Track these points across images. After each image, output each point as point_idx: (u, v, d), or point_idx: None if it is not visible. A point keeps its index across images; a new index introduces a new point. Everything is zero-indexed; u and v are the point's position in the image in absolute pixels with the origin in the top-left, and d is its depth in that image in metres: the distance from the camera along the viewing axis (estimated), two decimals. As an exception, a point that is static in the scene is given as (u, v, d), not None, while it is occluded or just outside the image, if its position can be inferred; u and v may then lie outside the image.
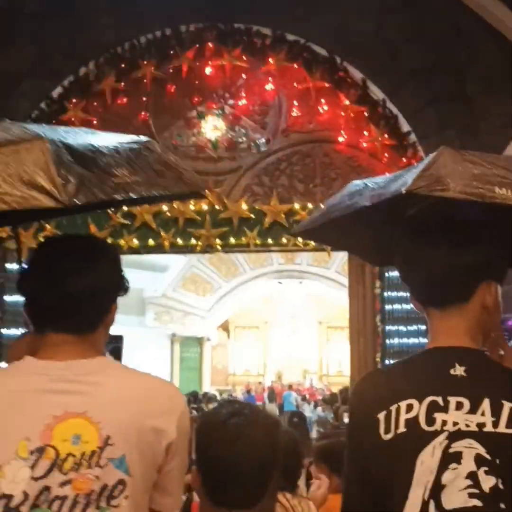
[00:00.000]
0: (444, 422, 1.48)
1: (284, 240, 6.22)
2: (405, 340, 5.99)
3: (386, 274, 6.05)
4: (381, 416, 1.53)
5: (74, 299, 1.61)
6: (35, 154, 1.58)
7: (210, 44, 6.48)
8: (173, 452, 1.60)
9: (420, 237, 1.63)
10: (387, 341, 6.05)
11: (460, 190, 1.50)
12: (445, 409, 1.49)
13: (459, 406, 1.49)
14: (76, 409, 1.54)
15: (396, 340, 6.04)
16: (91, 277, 1.64)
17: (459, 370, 1.53)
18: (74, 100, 6.46)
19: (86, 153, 1.67)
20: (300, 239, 6.06)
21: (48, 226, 6.14)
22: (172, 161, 1.90)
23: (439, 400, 1.50)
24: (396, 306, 6.05)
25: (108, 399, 1.57)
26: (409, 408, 1.51)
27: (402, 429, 1.50)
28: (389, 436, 1.51)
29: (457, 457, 1.46)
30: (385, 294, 6.10)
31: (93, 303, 1.65)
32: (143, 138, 1.88)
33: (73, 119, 6.40)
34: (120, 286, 1.72)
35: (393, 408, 1.52)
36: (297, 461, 2.92)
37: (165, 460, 1.59)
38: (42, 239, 6.12)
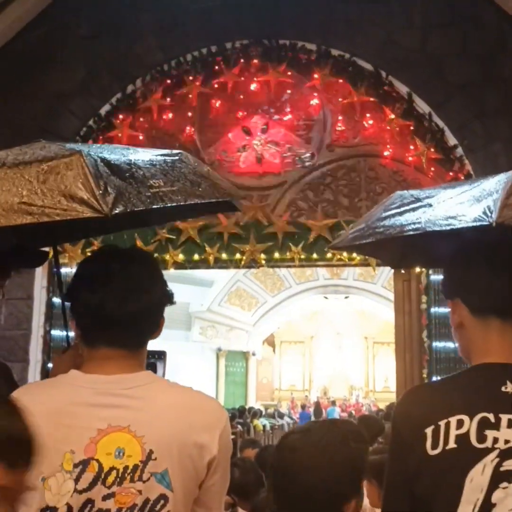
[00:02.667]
0: (495, 440, 1.45)
1: (329, 255, 6.19)
2: (452, 356, 5.89)
3: (433, 290, 5.98)
4: (429, 431, 1.50)
5: (133, 316, 1.62)
6: (74, 168, 1.63)
7: (255, 60, 6.53)
8: (214, 468, 1.58)
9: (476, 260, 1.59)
10: (434, 356, 5.96)
11: None
12: (496, 426, 1.46)
13: (511, 423, 1.46)
14: (120, 423, 1.55)
15: (443, 356, 5.95)
16: (151, 294, 1.65)
17: (510, 388, 1.50)
18: (121, 117, 6.57)
19: (122, 166, 1.71)
20: (345, 254, 6.03)
21: (95, 242, 6.23)
22: (206, 171, 1.92)
23: (491, 417, 1.47)
24: (443, 322, 5.96)
25: (152, 414, 1.57)
26: (460, 423, 1.48)
27: (452, 445, 1.46)
28: (436, 452, 1.48)
29: (508, 476, 1.43)
30: (432, 309, 6.02)
31: (148, 319, 1.67)
32: (175, 151, 1.91)
33: (120, 135, 6.51)
34: (169, 300, 1.74)
35: (442, 423, 1.49)
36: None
37: (207, 475, 1.58)
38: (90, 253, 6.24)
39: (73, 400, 1.59)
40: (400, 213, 1.64)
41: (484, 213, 1.44)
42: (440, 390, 1.63)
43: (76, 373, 1.64)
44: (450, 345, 5.94)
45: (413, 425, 1.53)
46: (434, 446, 1.48)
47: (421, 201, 1.64)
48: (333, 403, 19.51)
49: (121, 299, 1.62)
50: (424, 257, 1.98)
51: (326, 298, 19.21)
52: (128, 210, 1.59)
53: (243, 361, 19.90)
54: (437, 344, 5.98)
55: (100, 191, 1.57)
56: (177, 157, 1.89)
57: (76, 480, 1.51)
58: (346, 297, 18.78)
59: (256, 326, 18.83)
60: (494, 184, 1.53)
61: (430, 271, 5.95)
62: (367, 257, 5.85)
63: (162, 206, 1.70)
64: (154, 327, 1.70)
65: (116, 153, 1.78)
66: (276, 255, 6.26)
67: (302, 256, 6.18)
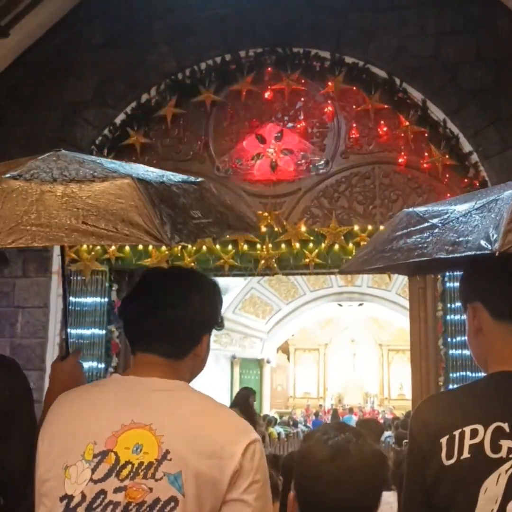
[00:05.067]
0: (510, 450, 1.44)
1: (343, 262, 6.18)
2: (469, 363, 5.86)
3: (449, 297, 5.95)
4: (444, 440, 1.49)
5: (165, 326, 1.71)
6: (128, 193, 1.68)
7: (269, 69, 6.55)
8: (237, 483, 1.54)
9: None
10: (450, 364, 5.92)
11: None
12: (511, 436, 1.45)
13: None
14: (142, 420, 1.58)
15: (459, 363, 5.91)
16: (183, 308, 1.73)
17: None
18: (135, 126, 6.60)
19: (165, 193, 1.77)
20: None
21: (111, 249, 6.26)
22: (229, 203, 2.01)
23: (506, 426, 1.46)
24: (460, 329, 5.93)
25: (175, 417, 1.59)
26: (474, 433, 1.46)
27: (466, 454, 1.45)
28: (451, 462, 1.47)
29: None
30: (448, 317, 5.99)
31: (183, 331, 1.73)
32: (198, 179, 1.99)
33: (135, 144, 6.54)
34: (213, 319, 1.80)
35: (456, 433, 1.48)
36: None
37: (229, 489, 1.53)
38: (105, 261, 6.27)
39: (105, 397, 1.67)
40: (408, 235, 1.62)
41: (488, 239, 1.42)
42: (456, 399, 1.62)
43: (116, 375, 1.79)
44: (467, 352, 5.90)
45: (429, 434, 1.52)
46: (449, 456, 1.48)
47: (427, 221, 1.62)
48: (351, 410, 19.41)
49: (150, 313, 1.72)
50: (440, 264, 1.97)
51: (340, 305, 19.16)
52: (182, 242, 1.68)
53: (258, 368, 19.87)
54: (453, 352, 5.94)
55: (158, 220, 1.62)
56: (201, 186, 1.95)
57: (93, 470, 1.54)
58: (360, 305, 18.72)
59: (271, 334, 18.81)
60: (501, 201, 1.50)
61: (446, 278, 5.92)
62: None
63: (205, 238, 1.80)
64: (192, 342, 1.75)
65: (152, 176, 1.83)
66: (291, 262, 6.25)
67: (317, 264, 6.17)
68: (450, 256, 1.50)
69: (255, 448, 1.58)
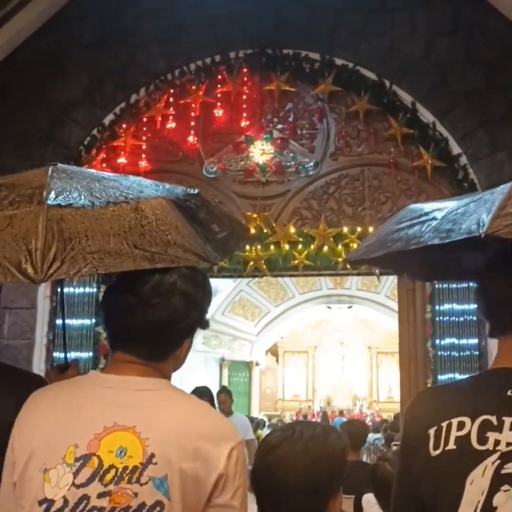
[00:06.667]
0: (497, 442, 1.44)
1: (333, 264, 6.18)
2: (457, 365, 5.86)
3: (437, 299, 5.96)
4: (432, 431, 1.50)
5: (148, 327, 1.63)
6: (166, 214, 1.67)
7: (258, 70, 6.54)
8: (223, 486, 1.53)
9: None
10: (439, 366, 5.92)
11: None
12: (499, 429, 1.45)
13: None
14: (125, 422, 1.54)
15: (448, 365, 5.92)
16: (166, 310, 1.63)
17: None
18: (124, 126, 6.58)
19: (188, 210, 1.76)
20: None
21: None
22: (229, 212, 2.02)
23: (493, 419, 1.46)
24: (448, 331, 5.93)
25: (158, 419, 1.55)
26: (461, 425, 1.48)
27: (451, 446, 1.46)
28: (437, 452, 1.48)
29: (509, 479, 1.41)
30: (436, 319, 5.99)
31: (165, 335, 1.66)
32: (195, 191, 1.96)
33: (123, 144, 6.51)
34: (198, 322, 1.72)
35: (444, 424, 1.49)
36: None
37: (213, 493, 1.52)
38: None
39: (85, 395, 1.61)
40: (410, 226, 1.70)
41: (477, 224, 1.47)
42: (446, 392, 1.64)
43: (95, 373, 1.72)
44: (455, 354, 5.91)
45: (418, 427, 1.54)
46: (436, 446, 1.49)
47: (429, 214, 1.68)
48: (341, 413, 19.41)
49: (133, 310, 1.63)
50: (457, 269, 1.99)
51: (329, 308, 19.17)
52: (221, 260, 1.68)
53: (247, 371, 19.84)
54: (442, 354, 5.94)
55: (200, 240, 1.64)
56: (203, 197, 1.92)
57: (75, 474, 1.50)
58: (349, 307, 18.74)
59: (260, 336, 18.79)
60: (496, 195, 1.56)
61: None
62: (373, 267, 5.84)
63: (230, 253, 1.81)
64: (171, 344, 1.68)
65: (171, 193, 1.81)
66: (280, 264, 6.24)
67: (306, 265, 6.16)
68: (443, 242, 1.55)
69: (238, 452, 1.56)
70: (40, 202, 1.67)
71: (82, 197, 1.71)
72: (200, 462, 1.51)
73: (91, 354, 6.25)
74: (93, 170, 2.09)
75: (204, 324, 1.74)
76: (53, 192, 1.72)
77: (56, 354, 6.24)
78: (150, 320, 1.62)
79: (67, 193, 1.72)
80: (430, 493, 1.48)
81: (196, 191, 1.92)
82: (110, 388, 1.60)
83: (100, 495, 1.48)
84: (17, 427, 1.63)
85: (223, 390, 8.29)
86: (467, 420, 1.47)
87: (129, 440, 1.52)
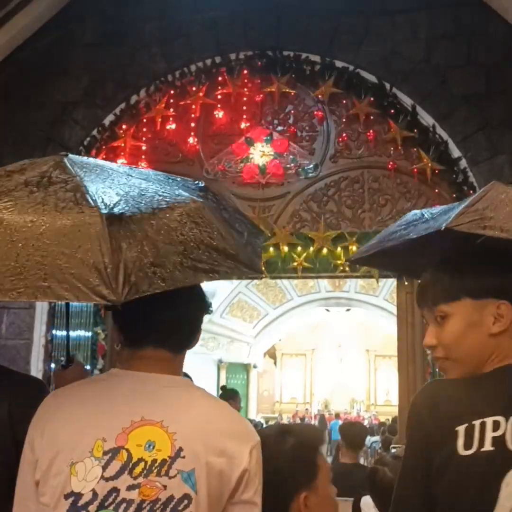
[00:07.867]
0: None
1: (331, 266, 6.17)
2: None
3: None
4: (461, 429, 1.45)
5: (174, 320, 1.68)
6: (207, 220, 1.62)
7: (259, 71, 6.54)
8: (246, 483, 1.56)
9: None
10: (437, 369, 5.92)
11: (501, 228, 1.48)
12: None
13: None
14: (153, 417, 1.56)
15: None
16: (188, 305, 1.70)
17: None
18: (124, 127, 6.57)
19: (216, 210, 1.74)
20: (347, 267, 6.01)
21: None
22: (235, 205, 2.00)
23: None
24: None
25: (185, 414, 1.58)
26: (496, 425, 1.43)
27: (488, 447, 1.41)
28: (469, 452, 1.42)
29: None
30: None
31: (187, 326, 1.72)
32: (202, 184, 1.95)
33: (123, 145, 6.51)
34: (207, 307, 1.79)
35: (476, 423, 1.44)
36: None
37: (237, 489, 1.55)
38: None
39: (111, 391, 1.63)
40: (405, 228, 1.77)
41: (446, 220, 1.53)
42: (467, 388, 1.55)
43: (117, 370, 1.70)
44: (453, 358, 5.90)
45: (442, 420, 1.48)
46: (468, 446, 1.43)
47: (424, 217, 1.74)
48: (337, 416, 19.41)
49: (163, 306, 1.66)
50: None
51: (327, 310, 19.17)
52: (260, 266, 1.68)
53: (244, 373, 19.84)
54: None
55: (246, 249, 1.63)
56: (212, 192, 1.89)
57: (104, 468, 1.51)
58: (347, 310, 18.74)
59: (258, 338, 18.79)
60: (475, 193, 1.67)
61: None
62: (370, 269, 5.84)
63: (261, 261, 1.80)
64: (193, 336, 1.75)
65: (190, 189, 1.78)
66: (279, 266, 6.23)
67: (305, 267, 6.16)
68: (417, 236, 1.64)
69: (258, 451, 1.60)
70: (92, 210, 1.52)
71: (126, 202, 1.58)
72: (225, 458, 1.54)
73: (89, 354, 6.24)
74: (104, 162, 1.94)
75: (209, 309, 1.82)
76: (96, 196, 1.57)
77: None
78: (183, 312, 1.68)
79: (109, 197, 1.58)
80: (451, 492, 1.43)
81: (203, 184, 1.90)
82: (136, 383, 1.62)
83: (130, 488, 1.49)
84: (37, 427, 1.62)
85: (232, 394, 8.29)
86: (502, 419, 1.43)
87: (157, 434, 1.53)
